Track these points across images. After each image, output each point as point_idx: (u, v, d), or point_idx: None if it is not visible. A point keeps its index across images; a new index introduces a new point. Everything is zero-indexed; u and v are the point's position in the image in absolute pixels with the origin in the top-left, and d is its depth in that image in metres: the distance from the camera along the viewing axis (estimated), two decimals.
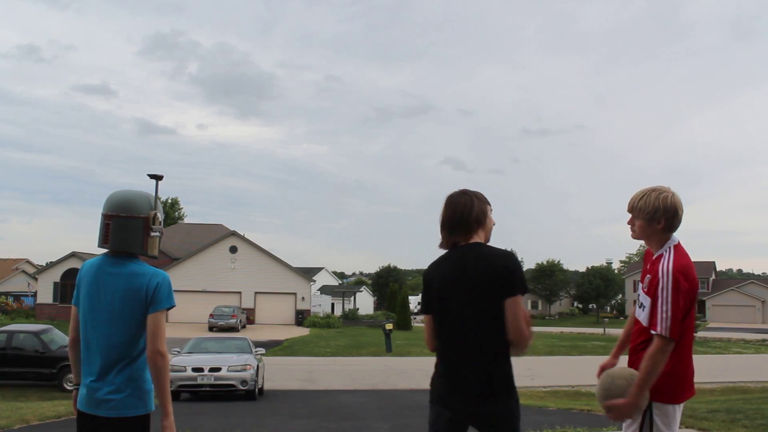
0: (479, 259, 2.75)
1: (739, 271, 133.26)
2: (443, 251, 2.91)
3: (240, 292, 47.05)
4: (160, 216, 2.90)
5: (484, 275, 2.70)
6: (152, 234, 2.85)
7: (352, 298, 68.73)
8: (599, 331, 52.90)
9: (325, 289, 67.07)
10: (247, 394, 14.50)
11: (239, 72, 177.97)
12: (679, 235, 2.94)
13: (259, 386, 15.42)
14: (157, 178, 2.96)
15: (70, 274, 45.08)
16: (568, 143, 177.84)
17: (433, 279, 2.85)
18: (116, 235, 2.81)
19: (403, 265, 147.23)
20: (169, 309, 2.80)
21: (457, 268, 2.77)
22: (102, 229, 2.84)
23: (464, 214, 2.83)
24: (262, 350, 16.60)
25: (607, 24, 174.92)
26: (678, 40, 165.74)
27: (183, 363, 14.51)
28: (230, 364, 14.47)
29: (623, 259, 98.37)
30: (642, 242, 3.04)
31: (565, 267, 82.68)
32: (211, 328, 38.40)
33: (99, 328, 2.78)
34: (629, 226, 3.01)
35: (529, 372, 20.57)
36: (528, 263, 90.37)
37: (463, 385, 2.71)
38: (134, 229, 2.82)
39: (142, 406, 2.77)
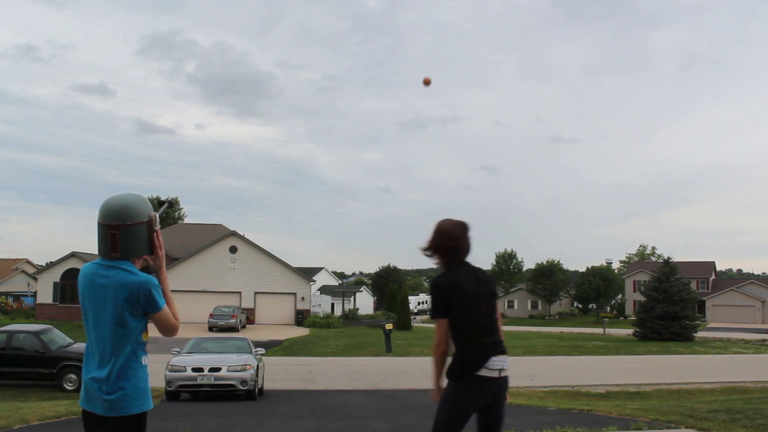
0: (483, 272, 3.73)
1: (739, 271, 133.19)
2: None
3: (240, 292, 47.02)
4: (156, 215, 2.98)
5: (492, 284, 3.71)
6: (153, 235, 2.95)
7: (352, 298, 68.68)
8: (599, 331, 52.86)
9: (325, 289, 67.04)
10: (247, 394, 14.49)
11: (237, 71, 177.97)
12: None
13: (259, 386, 15.41)
14: (168, 203, 3.19)
15: (70, 274, 45.04)
16: (568, 143, 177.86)
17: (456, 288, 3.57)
18: (125, 244, 2.85)
19: (403, 265, 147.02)
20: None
21: (476, 280, 3.63)
22: (107, 240, 2.85)
23: (468, 245, 3.72)
24: (261, 350, 16.58)
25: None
26: (680, 43, 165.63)
27: (183, 363, 14.49)
28: (230, 364, 14.45)
29: (623, 259, 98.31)
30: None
31: (565, 267, 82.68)
32: (211, 328, 38.37)
33: (94, 330, 2.86)
34: None
35: (529, 372, 20.54)
36: (528, 263, 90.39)
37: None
38: (141, 234, 2.89)
39: (138, 405, 2.82)
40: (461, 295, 3.52)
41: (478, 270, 3.71)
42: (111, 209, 2.86)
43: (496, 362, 3.50)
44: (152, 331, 2.99)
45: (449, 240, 3.64)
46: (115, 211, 2.85)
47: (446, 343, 3.55)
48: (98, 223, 2.87)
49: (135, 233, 2.86)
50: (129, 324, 2.82)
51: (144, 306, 2.83)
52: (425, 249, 3.73)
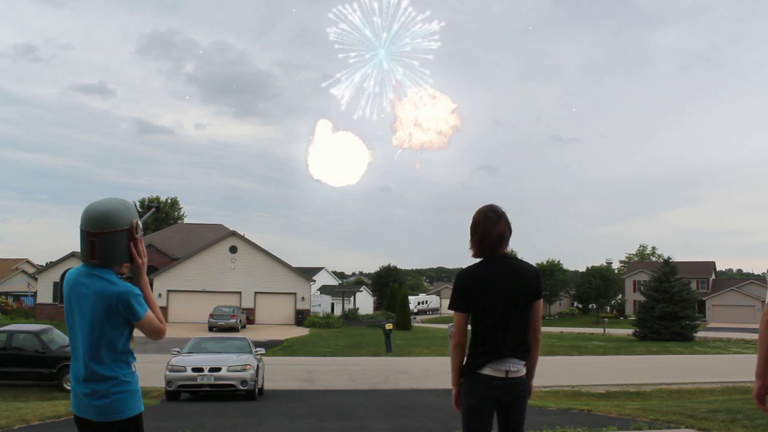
0: (522, 269, 3.46)
1: (739, 271, 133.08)
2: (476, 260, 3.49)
3: (240, 292, 47.02)
4: (140, 222, 2.95)
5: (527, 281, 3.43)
6: (134, 243, 2.93)
7: (352, 298, 68.70)
8: (599, 331, 52.87)
9: (324, 289, 67.03)
10: (247, 394, 14.49)
11: (237, 71, 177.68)
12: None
13: (259, 386, 15.41)
14: (156, 208, 3.23)
15: None
16: (567, 143, 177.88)
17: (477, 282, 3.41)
18: (103, 251, 2.84)
19: (403, 265, 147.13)
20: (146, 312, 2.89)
21: (506, 276, 3.40)
22: (87, 246, 2.85)
23: (507, 235, 3.49)
24: (262, 350, 16.58)
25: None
26: (680, 42, 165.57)
27: (183, 363, 14.50)
28: (230, 364, 14.46)
29: (623, 259, 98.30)
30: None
31: (565, 267, 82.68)
32: (211, 328, 38.37)
33: (78, 336, 2.86)
34: None
35: None
36: None
37: None
38: (120, 242, 2.86)
39: (129, 409, 2.83)
40: (479, 290, 3.37)
41: (515, 265, 3.47)
42: (91, 216, 2.84)
43: (504, 363, 3.36)
44: None
45: (475, 229, 3.48)
46: (96, 217, 2.83)
47: (461, 336, 3.43)
48: (80, 228, 2.86)
49: (114, 241, 2.84)
50: (111, 333, 2.82)
51: (124, 315, 2.81)
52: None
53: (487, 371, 3.36)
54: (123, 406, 2.81)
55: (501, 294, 3.36)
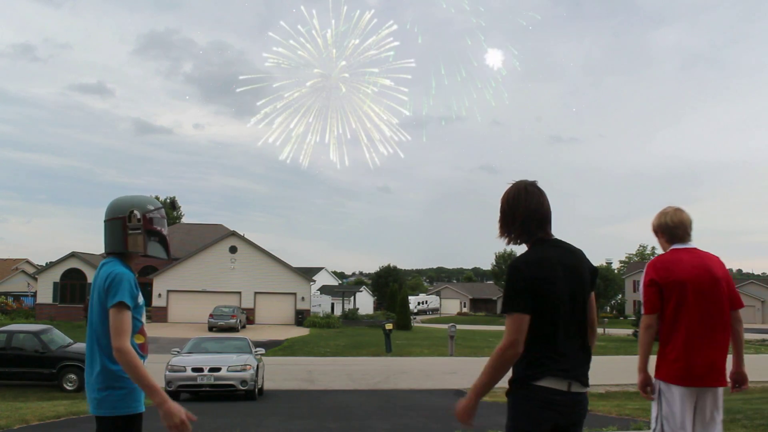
0: (578, 252, 2.85)
1: (739, 271, 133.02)
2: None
3: (240, 292, 47.01)
4: (138, 213, 2.93)
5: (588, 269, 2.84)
6: (130, 232, 2.92)
7: (352, 298, 68.67)
8: (599, 331, 52.89)
9: (324, 289, 67.01)
10: (247, 394, 14.50)
11: (236, 71, 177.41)
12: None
13: (259, 386, 15.42)
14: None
15: (70, 274, 44.98)
16: (567, 143, 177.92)
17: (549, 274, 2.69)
18: (106, 238, 2.98)
19: (403, 265, 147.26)
20: (123, 305, 2.71)
21: (567, 260, 2.77)
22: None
23: (539, 211, 2.81)
24: (261, 350, 16.60)
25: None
26: (681, 42, 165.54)
27: (183, 363, 14.51)
28: (230, 364, 14.47)
29: (623, 259, 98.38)
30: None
31: None
32: (210, 328, 38.36)
33: (89, 328, 2.87)
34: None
35: None
36: None
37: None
38: (116, 229, 2.95)
39: (126, 407, 2.76)
40: (548, 281, 2.66)
41: (572, 248, 2.83)
42: (107, 206, 3.03)
43: (567, 373, 2.66)
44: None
45: (514, 205, 2.78)
46: (107, 207, 3.01)
47: (522, 344, 2.59)
48: None
49: (111, 228, 2.96)
50: (106, 321, 2.76)
51: (107, 297, 2.74)
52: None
53: (545, 383, 2.62)
54: (120, 402, 2.74)
55: (566, 286, 2.70)
